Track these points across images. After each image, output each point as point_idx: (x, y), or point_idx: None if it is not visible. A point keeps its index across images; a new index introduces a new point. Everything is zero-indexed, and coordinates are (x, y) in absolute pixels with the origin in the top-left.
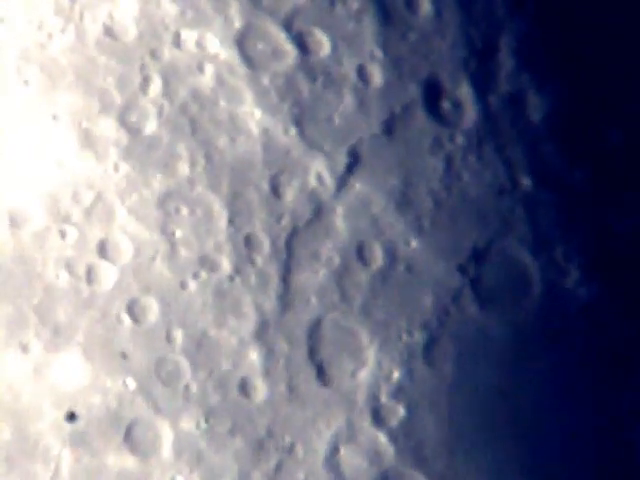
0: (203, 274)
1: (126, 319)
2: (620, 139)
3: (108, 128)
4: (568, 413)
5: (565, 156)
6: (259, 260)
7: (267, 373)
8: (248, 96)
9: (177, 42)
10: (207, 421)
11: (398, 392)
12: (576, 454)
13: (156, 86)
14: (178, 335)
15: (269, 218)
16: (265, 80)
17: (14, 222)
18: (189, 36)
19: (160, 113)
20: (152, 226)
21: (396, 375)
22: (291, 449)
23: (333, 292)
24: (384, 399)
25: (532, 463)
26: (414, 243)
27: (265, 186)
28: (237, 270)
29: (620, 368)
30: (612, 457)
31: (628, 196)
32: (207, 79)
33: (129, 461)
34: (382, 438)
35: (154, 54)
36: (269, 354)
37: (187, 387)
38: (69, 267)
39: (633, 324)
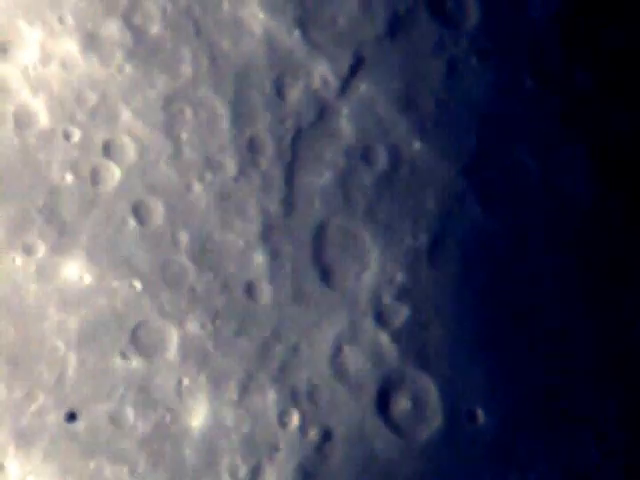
0: (208, 176)
1: (131, 221)
2: (620, 39)
3: (113, 30)
4: (568, 317)
5: (566, 56)
6: (263, 162)
7: (272, 275)
8: None
9: None
10: (213, 323)
11: (401, 294)
12: (576, 358)
13: None
14: (183, 237)
15: (273, 120)
16: None
17: (19, 123)
18: None
19: (164, 15)
20: (156, 127)
21: (399, 277)
22: (296, 350)
23: (337, 195)
24: (387, 301)
25: (533, 363)
26: (417, 145)
27: (269, 88)
28: (241, 172)
29: (621, 272)
30: (611, 361)
31: (628, 95)
32: None
33: (135, 363)
34: (385, 339)
35: None
36: (274, 256)
37: (192, 289)
38: (74, 168)
39: (634, 226)
